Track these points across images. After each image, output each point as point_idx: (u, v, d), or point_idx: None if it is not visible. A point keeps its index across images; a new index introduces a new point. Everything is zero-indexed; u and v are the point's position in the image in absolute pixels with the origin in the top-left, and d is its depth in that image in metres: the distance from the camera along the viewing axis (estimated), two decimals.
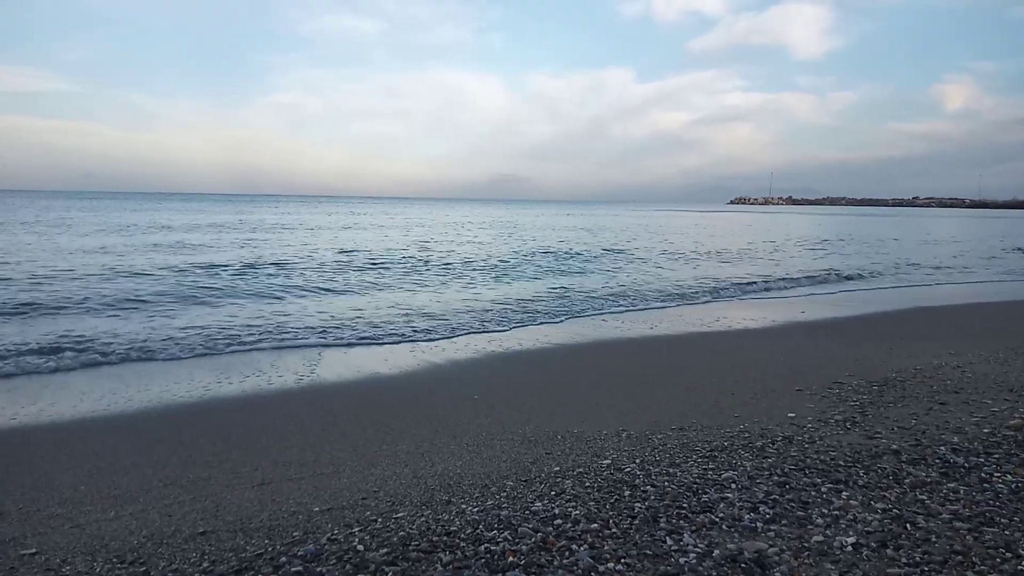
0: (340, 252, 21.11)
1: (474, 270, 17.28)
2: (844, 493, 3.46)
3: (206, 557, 2.99)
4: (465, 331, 9.23)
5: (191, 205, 79.30)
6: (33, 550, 3.12)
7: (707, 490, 3.53)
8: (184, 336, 8.34)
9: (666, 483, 3.64)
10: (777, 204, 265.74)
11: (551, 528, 3.12)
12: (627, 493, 3.52)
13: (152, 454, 4.51)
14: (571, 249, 24.41)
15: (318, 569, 2.82)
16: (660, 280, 16.08)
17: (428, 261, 19.11)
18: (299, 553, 2.96)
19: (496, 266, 18.27)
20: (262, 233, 30.89)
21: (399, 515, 3.37)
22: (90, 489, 3.90)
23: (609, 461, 4.09)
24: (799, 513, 3.23)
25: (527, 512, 3.31)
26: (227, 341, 8.11)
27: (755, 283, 15.21)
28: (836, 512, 3.23)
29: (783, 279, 15.93)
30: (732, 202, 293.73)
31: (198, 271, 15.29)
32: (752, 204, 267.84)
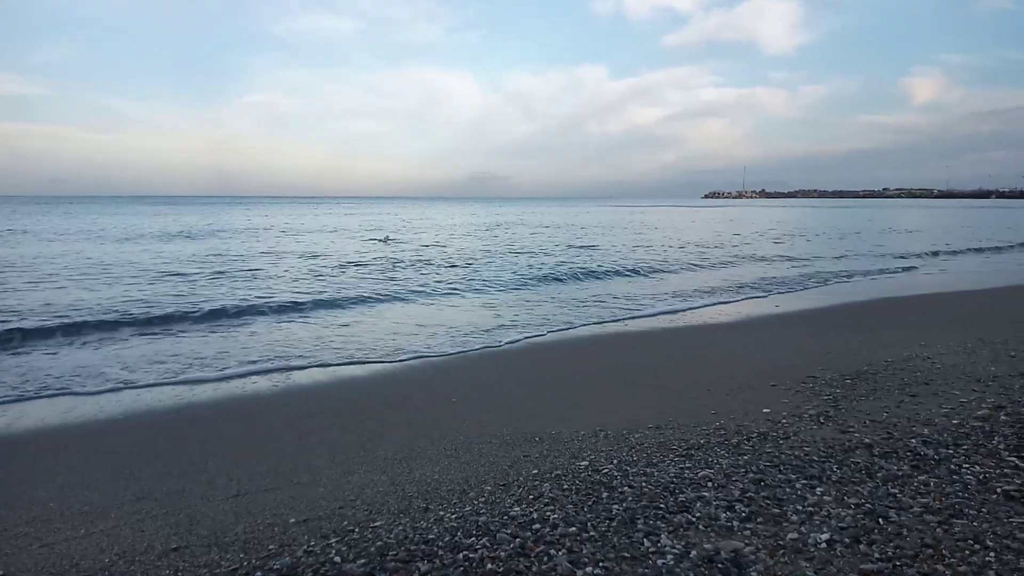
0: (310, 258, 20.54)
1: (447, 271, 17.16)
2: (818, 489, 3.50)
3: (179, 574, 2.94)
4: (441, 333, 9.19)
5: (162, 208, 77.76)
6: (0, 573, 3.04)
7: (684, 489, 3.55)
8: (142, 359, 7.70)
9: (643, 483, 3.66)
10: (751, 197, 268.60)
11: (530, 533, 3.11)
12: (605, 495, 3.52)
13: (125, 466, 4.43)
14: (544, 248, 24.42)
15: None
16: (636, 279, 16.16)
17: (400, 263, 18.93)
18: (275, 567, 2.92)
19: (468, 267, 18.14)
20: (233, 239, 30.27)
21: (377, 524, 3.35)
22: (60, 505, 3.82)
23: (587, 462, 4.10)
24: (774, 511, 3.26)
25: (505, 517, 3.30)
26: (186, 366, 7.34)
27: (744, 285, 15.17)
28: (810, 508, 3.27)
29: (765, 279, 15.91)
30: (707, 196, 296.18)
31: (166, 280, 14.84)
32: (726, 198, 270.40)
